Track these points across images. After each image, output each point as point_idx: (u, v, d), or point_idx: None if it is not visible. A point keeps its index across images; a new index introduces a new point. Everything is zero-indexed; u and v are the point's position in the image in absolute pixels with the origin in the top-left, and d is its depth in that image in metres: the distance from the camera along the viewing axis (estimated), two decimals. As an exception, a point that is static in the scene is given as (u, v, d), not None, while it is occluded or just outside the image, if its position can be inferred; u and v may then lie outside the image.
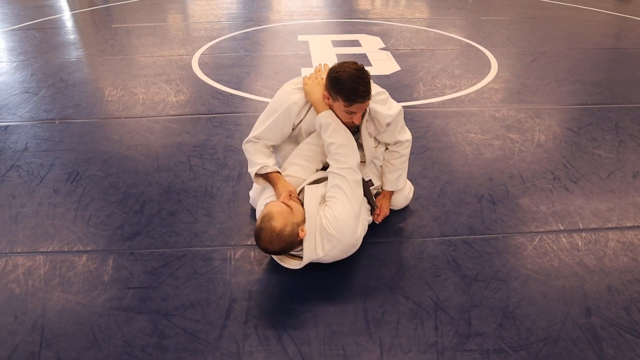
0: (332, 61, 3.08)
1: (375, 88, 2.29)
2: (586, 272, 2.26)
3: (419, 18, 7.18)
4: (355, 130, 2.35)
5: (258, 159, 2.31)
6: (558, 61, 5.18)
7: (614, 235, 2.52)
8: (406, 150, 2.48)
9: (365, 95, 2.07)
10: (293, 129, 2.36)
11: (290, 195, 2.17)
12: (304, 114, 2.30)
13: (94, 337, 1.92)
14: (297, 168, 2.33)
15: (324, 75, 2.23)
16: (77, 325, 1.98)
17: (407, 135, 2.47)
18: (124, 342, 1.90)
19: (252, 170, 2.33)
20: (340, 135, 2.20)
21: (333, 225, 2.06)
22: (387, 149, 2.51)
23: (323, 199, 2.19)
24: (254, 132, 2.35)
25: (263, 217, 2.00)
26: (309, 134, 2.37)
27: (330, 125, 2.20)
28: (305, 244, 2.07)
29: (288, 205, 2.06)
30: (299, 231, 2.04)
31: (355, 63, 2.10)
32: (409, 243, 2.44)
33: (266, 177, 2.32)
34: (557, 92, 4.36)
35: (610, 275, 2.25)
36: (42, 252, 2.38)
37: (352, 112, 2.13)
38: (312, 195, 2.16)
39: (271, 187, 2.32)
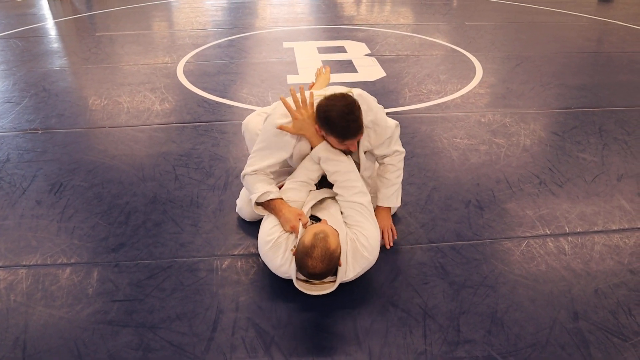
0: (317, 65, 3.06)
1: (368, 102, 2.28)
2: (573, 276, 2.27)
3: (404, 24, 7.22)
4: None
5: (259, 188, 2.24)
6: (542, 65, 5.23)
7: (600, 238, 2.54)
8: (401, 164, 2.45)
9: (357, 131, 2.10)
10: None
11: (300, 218, 2.14)
12: (296, 142, 2.27)
13: (78, 353, 1.89)
14: (294, 192, 2.30)
15: (311, 104, 2.21)
16: (60, 340, 1.94)
17: (401, 147, 2.44)
18: (109, 357, 1.87)
19: (253, 197, 2.25)
20: (341, 163, 2.25)
21: (368, 250, 2.10)
22: (379, 164, 2.47)
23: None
24: (251, 167, 2.28)
25: (316, 235, 1.91)
26: (301, 157, 2.34)
27: (329, 156, 2.23)
28: (339, 271, 2.04)
29: (334, 228, 2.04)
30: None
31: (344, 97, 2.09)
32: (396, 250, 2.43)
33: (268, 205, 2.25)
34: (542, 96, 4.40)
35: (597, 279, 2.26)
36: (24, 265, 2.34)
37: (346, 144, 2.17)
38: (335, 221, 2.15)
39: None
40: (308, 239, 1.92)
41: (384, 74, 4.94)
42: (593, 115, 3.99)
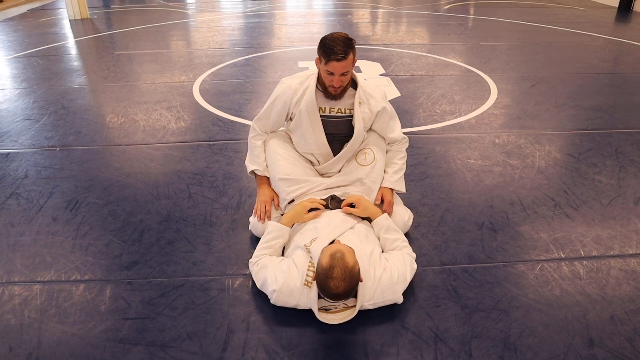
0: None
1: (380, 90, 2.60)
2: (588, 301, 2.23)
3: (419, 44, 7.25)
4: (350, 116, 2.56)
5: (254, 157, 2.65)
6: (557, 86, 5.21)
7: (616, 263, 2.50)
8: (404, 151, 2.71)
9: (340, 54, 2.29)
10: (291, 118, 2.59)
11: (267, 204, 2.54)
12: (300, 94, 2.51)
13: (89, 370, 1.90)
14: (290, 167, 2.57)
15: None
16: (72, 357, 1.95)
17: (402, 134, 2.69)
18: (119, 376, 1.88)
19: (247, 166, 2.70)
20: (401, 234, 2.42)
21: (400, 283, 2.14)
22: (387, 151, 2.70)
23: (367, 241, 2.25)
24: (257, 116, 2.66)
25: (332, 255, 1.90)
26: (309, 113, 2.49)
27: (390, 226, 2.40)
28: (360, 291, 2.02)
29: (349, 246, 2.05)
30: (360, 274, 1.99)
31: (346, 34, 2.37)
32: (408, 272, 2.41)
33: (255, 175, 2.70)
34: (557, 117, 4.38)
35: (613, 304, 2.22)
36: (39, 281, 2.37)
37: (331, 73, 2.36)
38: (349, 242, 2.14)
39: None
40: (325, 260, 1.90)
41: (399, 94, 4.96)
42: (609, 137, 3.96)
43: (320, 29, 8.56)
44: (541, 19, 9.25)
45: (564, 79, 5.47)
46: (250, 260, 2.31)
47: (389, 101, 2.67)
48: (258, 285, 2.22)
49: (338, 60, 2.30)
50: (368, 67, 5.95)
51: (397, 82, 5.33)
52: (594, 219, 2.86)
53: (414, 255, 2.33)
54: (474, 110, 4.54)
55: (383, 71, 5.78)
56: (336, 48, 2.28)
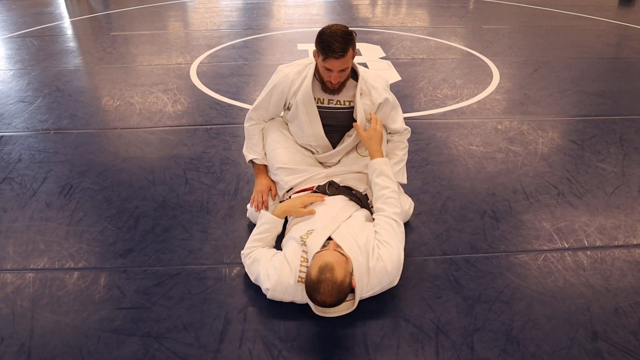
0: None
1: (382, 80, 2.49)
2: (592, 293, 2.19)
3: (420, 26, 7.14)
4: (350, 108, 2.47)
5: (252, 146, 2.58)
6: (561, 71, 5.13)
7: (621, 253, 2.45)
8: (406, 141, 2.62)
9: (338, 52, 2.16)
10: (289, 108, 2.50)
11: (264, 194, 2.48)
12: (298, 84, 2.42)
13: (82, 362, 1.85)
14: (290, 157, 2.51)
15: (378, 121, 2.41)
16: (65, 348, 1.91)
17: (404, 125, 2.59)
18: (113, 367, 1.83)
19: (245, 155, 2.62)
20: (393, 182, 2.32)
21: (395, 268, 2.05)
22: (388, 141, 2.62)
23: (363, 228, 2.17)
24: (253, 105, 2.57)
25: (322, 268, 1.84)
26: (306, 105, 2.42)
27: (384, 171, 2.32)
28: (357, 290, 1.97)
29: (342, 254, 1.96)
30: (352, 281, 1.94)
31: (346, 26, 2.23)
32: (409, 262, 2.35)
33: (253, 164, 2.62)
34: (560, 103, 4.31)
35: (617, 296, 2.18)
36: (32, 269, 2.32)
37: (329, 70, 2.26)
38: (349, 241, 2.06)
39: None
40: (314, 273, 1.84)
41: (399, 78, 4.87)
42: (613, 123, 3.90)
43: (320, 10, 8.42)
44: (544, 1, 9.12)
45: (567, 64, 5.38)
46: (242, 251, 2.26)
47: (390, 85, 2.59)
48: (252, 279, 2.17)
49: (336, 58, 2.18)
50: (368, 50, 5.85)
51: (398, 66, 5.24)
52: (598, 208, 2.81)
53: (399, 210, 2.24)
54: (476, 95, 4.46)
55: (383, 54, 5.68)
56: (334, 45, 2.15)
